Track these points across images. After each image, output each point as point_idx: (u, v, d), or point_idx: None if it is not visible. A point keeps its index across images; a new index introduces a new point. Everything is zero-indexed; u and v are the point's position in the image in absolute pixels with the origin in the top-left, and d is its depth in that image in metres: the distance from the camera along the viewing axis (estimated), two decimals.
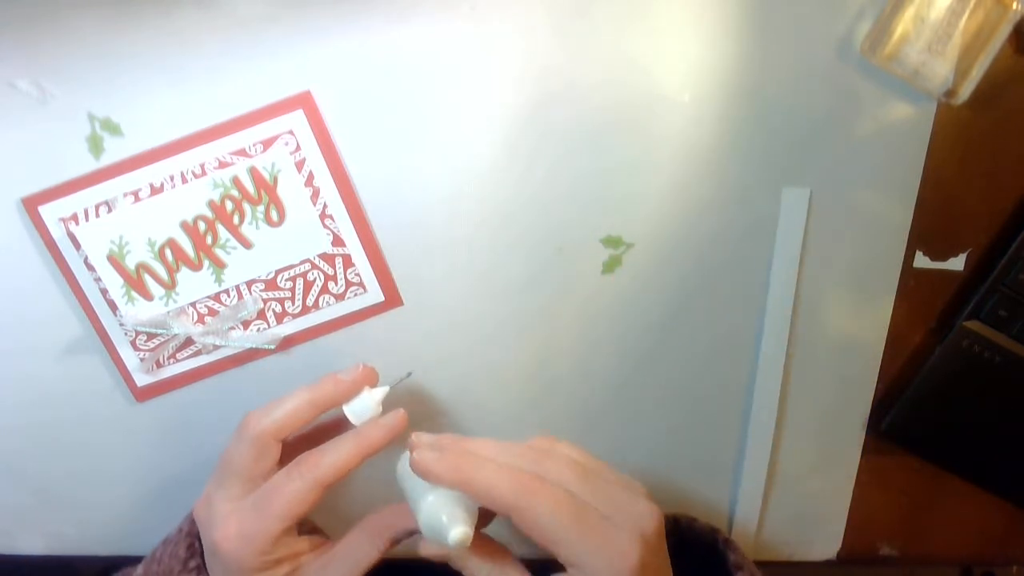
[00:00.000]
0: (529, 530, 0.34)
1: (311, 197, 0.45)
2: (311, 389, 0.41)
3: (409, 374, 0.45)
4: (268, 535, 0.38)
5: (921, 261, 0.47)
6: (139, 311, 0.46)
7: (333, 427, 0.45)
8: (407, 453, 0.39)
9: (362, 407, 0.42)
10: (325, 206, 0.45)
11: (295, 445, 0.42)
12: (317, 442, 0.41)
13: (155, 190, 0.44)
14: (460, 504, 0.36)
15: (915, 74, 0.42)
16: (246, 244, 0.46)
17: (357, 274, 0.47)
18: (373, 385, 0.43)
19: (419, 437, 0.39)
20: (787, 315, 0.47)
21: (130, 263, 0.45)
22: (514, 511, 0.34)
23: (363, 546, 0.40)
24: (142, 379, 0.48)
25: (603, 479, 0.37)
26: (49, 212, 0.45)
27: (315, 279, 0.47)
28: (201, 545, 0.42)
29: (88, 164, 0.44)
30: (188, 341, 0.47)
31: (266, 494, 0.39)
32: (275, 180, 0.45)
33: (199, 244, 0.45)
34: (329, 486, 0.39)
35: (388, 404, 0.43)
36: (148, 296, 0.46)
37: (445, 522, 0.35)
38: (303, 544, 0.41)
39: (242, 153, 0.44)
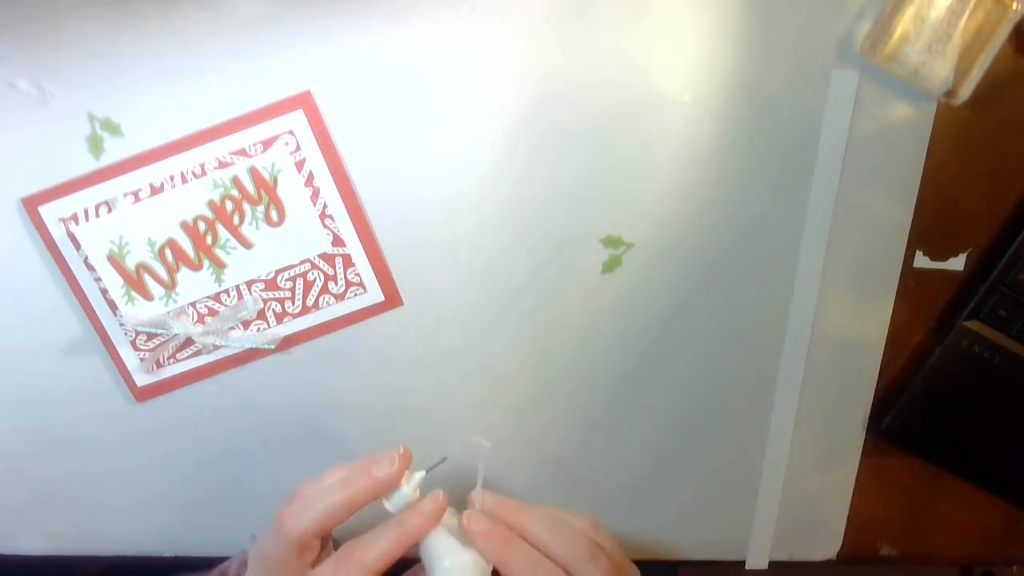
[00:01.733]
0: None
1: (311, 197, 0.45)
2: (346, 487, 0.40)
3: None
4: None
5: (921, 261, 0.47)
6: (139, 311, 0.46)
7: None
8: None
9: (400, 498, 0.41)
10: (325, 206, 0.45)
11: None
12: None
13: (155, 190, 0.44)
14: (476, 573, 0.38)
15: (915, 74, 0.42)
16: (246, 244, 0.46)
17: (357, 274, 0.47)
18: (407, 467, 0.41)
19: (478, 497, 0.41)
20: (813, 300, 0.47)
21: (130, 263, 0.45)
22: None
23: None
24: (142, 379, 0.48)
25: None
26: (49, 212, 0.45)
27: (315, 279, 0.47)
28: None
29: (88, 164, 0.44)
30: (188, 341, 0.47)
31: None
32: (275, 180, 0.45)
33: (199, 244, 0.45)
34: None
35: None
36: (148, 296, 0.46)
37: None
38: None
39: (242, 153, 0.44)
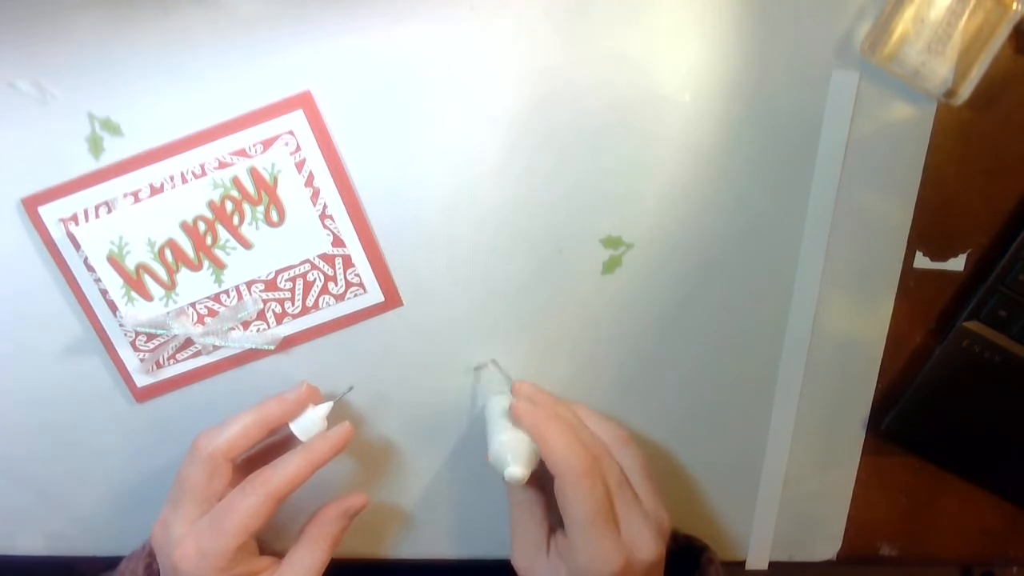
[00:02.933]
0: (559, 498, 0.41)
1: (311, 197, 0.45)
2: (258, 409, 0.44)
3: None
4: (225, 551, 0.40)
5: (921, 261, 0.47)
6: (139, 311, 0.46)
7: (281, 446, 0.46)
8: (497, 396, 0.46)
9: (308, 423, 0.44)
10: (325, 206, 0.45)
11: (245, 467, 0.44)
12: (267, 462, 0.43)
13: (155, 190, 0.44)
14: (527, 449, 0.42)
15: (915, 74, 0.42)
16: (246, 244, 0.46)
17: (357, 275, 0.47)
18: (317, 402, 0.45)
19: (523, 385, 0.47)
20: (813, 300, 0.47)
21: (130, 263, 0.45)
22: (560, 480, 0.40)
23: (311, 553, 0.43)
24: (142, 380, 0.48)
25: (637, 501, 0.43)
26: (49, 212, 0.45)
27: (315, 279, 0.47)
28: (158, 566, 0.43)
29: (88, 164, 0.44)
30: (188, 342, 0.47)
31: (222, 511, 0.41)
32: (275, 180, 0.45)
33: (199, 244, 0.45)
34: (281, 499, 0.41)
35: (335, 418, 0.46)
36: (148, 296, 0.46)
37: (508, 460, 0.41)
38: (261, 562, 0.43)
39: (242, 153, 0.44)
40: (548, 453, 0.41)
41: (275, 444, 0.47)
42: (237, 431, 0.43)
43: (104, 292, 0.46)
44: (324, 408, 0.45)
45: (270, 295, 0.47)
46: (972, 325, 0.46)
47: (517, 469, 0.41)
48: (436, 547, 0.53)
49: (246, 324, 0.47)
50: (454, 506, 0.52)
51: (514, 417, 0.43)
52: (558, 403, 0.46)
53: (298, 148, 0.44)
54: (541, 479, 0.44)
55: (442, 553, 0.53)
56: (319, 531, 0.44)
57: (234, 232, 0.45)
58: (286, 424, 0.44)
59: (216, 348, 0.47)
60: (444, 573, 0.55)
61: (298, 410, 0.45)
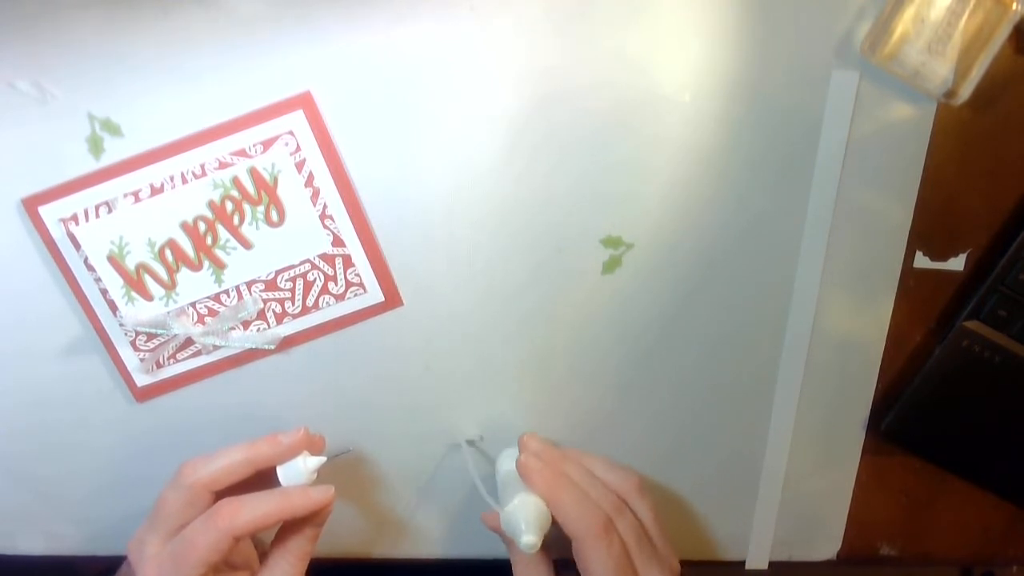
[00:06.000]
0: (578, 560, 0.41)
1: (311, 197, 0.45)
2: (250, 448, 0.42)
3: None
4: None
5: (921, 261, 0.47)
6: (139, 311, 0.46)
7: (267, 472, 0.45)
8: (509, 450, 0.47)
9: (294, 472, 0.43)
10: (325, 206, 0.45)
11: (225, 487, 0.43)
12: (246, 486, 0.42)
13: (155, 190, 0.44)
14: (539, 513, 0.41)
15: (915, 74, 0.42)
16: (246, 244, 0.46)
17: (357, 274, 0.47)
18: (316, 451, 0.44)
19: (530, 440, 0.46)
20: (813, 300, 0.47)
21: (130, 263, 0.45)
22: (578, 543, 0.41)
23: (280, 568, 0.42)
24: (142, 379, 0.48)
25: (656, 553, 0.43)
26: (49, 212, 0.45)
27: (315, 279, 0.47)
28: None
29: (88, 164, 0.44)
30: (188, 341, 0.47)
31: (182, 543, 0.40)
32: (275, 180, 0.45)
33: (199, 244, 0.45)
34: (241, 538, 0.40)
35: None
36: (148, 296, 0.46)
37: (522, 528, 0.40)
38: None
39: (242, 153, 0.44)
40: (562, 517, 0.41)
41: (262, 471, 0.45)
42: (224, 466, 0.42)
43: (104, 292, 0.46)
44: (315, 461, 0.43)
45: (270, 295, 0.47)
46: (972, 325, 0.46)
47: (531, 537, 0.40)
48: (434, 547, 0.53)
49: (246, 324, 0.47)
50: (452, 506, 0.52)
51: (522, 475, 0.42)
52: (566, 457, 0.46)
53: (298, 148, 0.44)
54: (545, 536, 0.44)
55: (441, 553, 0.54)
56: (290, 546, 0.42)
57: (234, 232, 0.45)
58: (274, 465, 0.43)
59: (216, 348, 0.47)
60: (443, 573, 0.55)
61: (290, 455, 0.43)
